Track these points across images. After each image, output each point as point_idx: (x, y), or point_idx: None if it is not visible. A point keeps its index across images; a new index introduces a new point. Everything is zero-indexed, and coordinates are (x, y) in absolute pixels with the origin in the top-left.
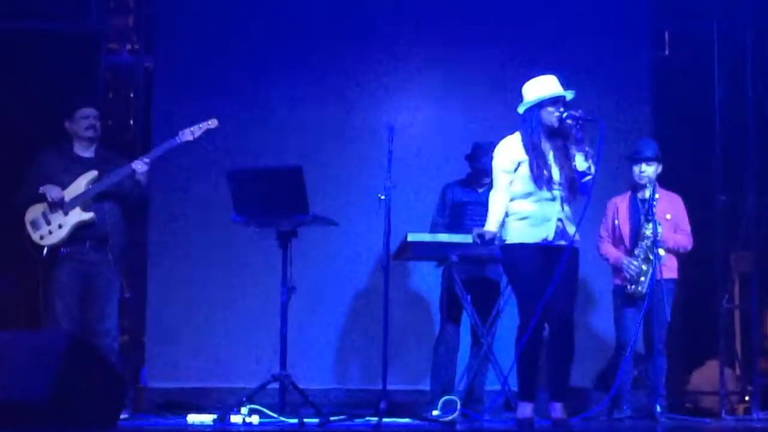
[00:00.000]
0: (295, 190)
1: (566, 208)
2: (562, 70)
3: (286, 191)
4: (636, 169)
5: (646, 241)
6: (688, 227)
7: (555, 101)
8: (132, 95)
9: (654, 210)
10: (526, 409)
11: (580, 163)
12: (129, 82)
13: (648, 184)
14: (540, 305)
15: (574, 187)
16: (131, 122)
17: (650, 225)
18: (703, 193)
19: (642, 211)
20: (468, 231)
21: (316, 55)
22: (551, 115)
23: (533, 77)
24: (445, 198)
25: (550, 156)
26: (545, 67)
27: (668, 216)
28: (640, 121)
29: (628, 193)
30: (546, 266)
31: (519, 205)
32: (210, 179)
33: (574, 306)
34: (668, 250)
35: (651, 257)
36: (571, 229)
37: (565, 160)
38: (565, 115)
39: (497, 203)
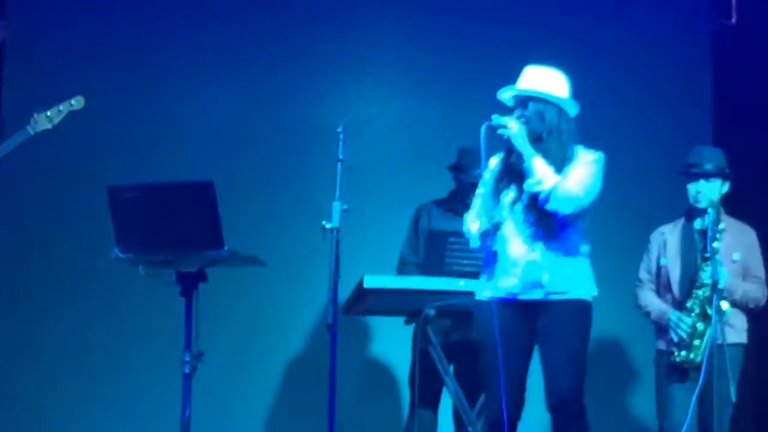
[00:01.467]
0: (203, 215)
1: (542, 246)
2: (585, 45)
3: (192, 216)
4: (691, 188)
5: (702, 289)
6: (762, 272)
7: (515, 104)
8: None
9: (716, 246)
10: None
11: (530, 180)
12: None
13: (709, 210)
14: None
15: (549, 215)
16: None
17: (709, 267)
18: None
19: (699, 247)
20: (451, 273)
21: (232, 27)
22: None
23: (545, 55)
24: (419, 226)
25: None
26: (563, 40)
27: (735, 256)
28: (695, 119)
29: (681, 221)
30: (524, 332)
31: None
32: (80, 198)
33: (580, 384)
34: (734, 304)
35: (710, 313)
36: (556, 275)
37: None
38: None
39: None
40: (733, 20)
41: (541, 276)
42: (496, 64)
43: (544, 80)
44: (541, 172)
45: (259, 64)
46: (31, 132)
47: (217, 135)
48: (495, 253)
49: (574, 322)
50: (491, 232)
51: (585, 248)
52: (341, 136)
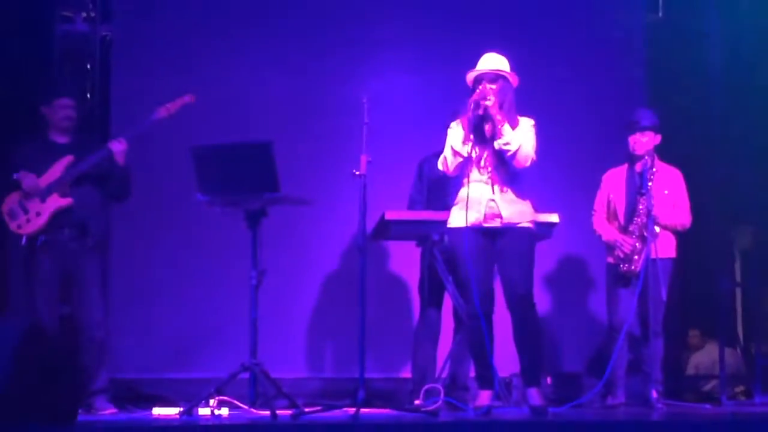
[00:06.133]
0: (264, 166)
1: (501, 188)
2: (551, 34)
3: (255, 168)
4: (631, 139)
5: (640, 217)
6: (687, 204)
7: (479, 80)
8: (89, 67)
9: (649, 184)
10: (483, 397)
11: (501, 141)
12: (84, 53)
13: (645, 156)
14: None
15: (504, 166)
16: (87, 96)
17: (644, 200)
18: (700, 165)
19: (638, 185)
20: (449, 208)
21: (281, 24)
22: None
23: (513, 42)
24: (422, 173)
25: (483, 137)
26: (534, 30)
27: (666, 191)
28: (634, 89)
29: (625, 166)
30: (487, 251)
31: (460, 190)
32: (171, 157)
33: (530, 286)
34: (664, 227)
35: (646, 234)
36: (509, 210)
37: (490, 140)
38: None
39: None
40: (660, 14)
41: (503, 209)
42: (483, 47)
43: (502, 62)
44: (510, 136)
45: (307, 51)
46: (154, 119)
47: (277, 105)
48: (462, 192)
49: (525, 243)
50: (462, 164)
51: (527, 191)
52: (366, 105)
